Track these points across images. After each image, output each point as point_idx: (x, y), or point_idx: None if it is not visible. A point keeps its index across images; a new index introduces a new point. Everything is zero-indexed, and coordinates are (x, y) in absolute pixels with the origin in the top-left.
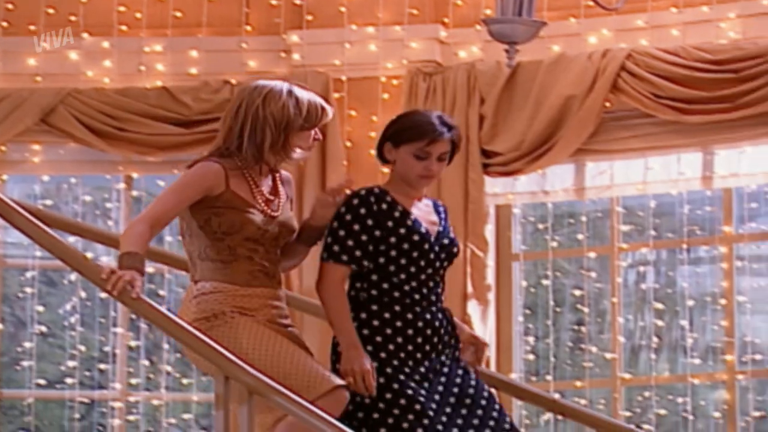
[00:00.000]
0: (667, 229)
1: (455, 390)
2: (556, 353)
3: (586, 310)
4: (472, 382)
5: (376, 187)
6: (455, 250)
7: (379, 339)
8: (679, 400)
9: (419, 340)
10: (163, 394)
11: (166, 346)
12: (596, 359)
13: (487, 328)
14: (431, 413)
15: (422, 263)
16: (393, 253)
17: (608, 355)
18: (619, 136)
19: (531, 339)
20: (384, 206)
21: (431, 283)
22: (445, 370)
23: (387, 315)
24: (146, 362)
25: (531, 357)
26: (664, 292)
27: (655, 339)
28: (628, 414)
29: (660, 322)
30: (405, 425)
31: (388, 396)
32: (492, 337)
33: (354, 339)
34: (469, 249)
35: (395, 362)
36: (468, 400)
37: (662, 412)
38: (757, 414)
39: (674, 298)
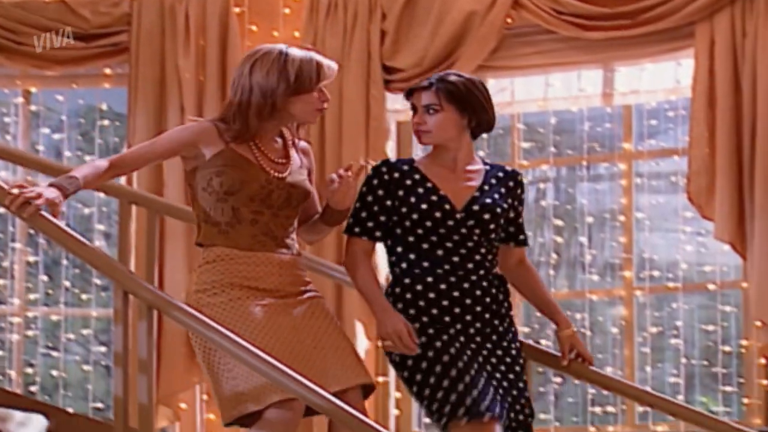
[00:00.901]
0: (568, 146)
1: (497, 354)
2: None
3: None
4: (513, 352)
5: (400, 158)
6: (486, 216)
7: (414, 310)
8: (578, 315)
9: (457, 310)
10: (61, 309)
11: (65, 261)
12: None
13: None
14: (473, 372)
15: (442, 231)
16: (407, 223)
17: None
18: (520, 53)
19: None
20: (396, 175)
21: (463, 251)
22: (489, 343)
23: (419, 287)
24: (45, 278)
25: None
26: (564, 209)
27: (554, 255)
28: (526, 330)
29: (559, 239)
30: (446, 383)
31: (430, 354)
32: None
33: (383, 303)
34: (369, 165)
35: (437, 325)
36: (503, 367)
37: None
38: (654, 330)
39: (573, 215)
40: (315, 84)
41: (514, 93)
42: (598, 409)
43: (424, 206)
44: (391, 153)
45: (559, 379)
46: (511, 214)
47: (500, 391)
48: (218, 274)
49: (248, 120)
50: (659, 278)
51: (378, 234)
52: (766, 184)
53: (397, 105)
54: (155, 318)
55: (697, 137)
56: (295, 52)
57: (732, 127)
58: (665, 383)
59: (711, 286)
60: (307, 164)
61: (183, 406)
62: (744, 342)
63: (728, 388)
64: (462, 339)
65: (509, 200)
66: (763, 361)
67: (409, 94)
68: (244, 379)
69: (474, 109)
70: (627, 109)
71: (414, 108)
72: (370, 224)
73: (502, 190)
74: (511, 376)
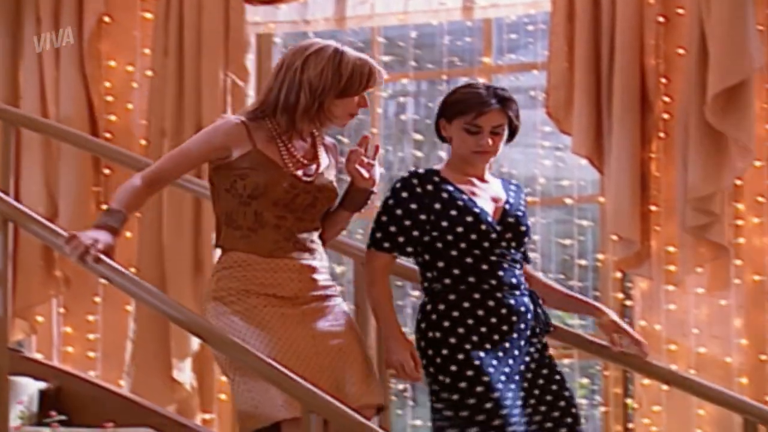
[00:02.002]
0: (428, 60)
1: (530, 375)
2: None
3: (346, 140)
4: (544, 371)
5: (426, 168)
6: (522, 228)
7: (461, 330)
8: None
9: (504, 327)
10: None
11: None
12: None
13: None
14: (502, 391)
15: (486, 244)
16: (450, 237)
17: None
18: None
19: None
20: (429, 187)
21: (506, 265)
22: (527, 358)
23: (466, 304)
24: None
25: None
26: (424, 124)
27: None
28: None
29: (419, 153)
30: (471, 400)
31: (479, 389)
32: None
33: (393, 329)
34: (229, 78)
35: (485, 343)
36: (538, 388)
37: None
38: None
39: (433, 130)
40: (362, 89)
41: (374, 6)
42: None
43: (469, 218)
44: (251, 65)
45: (416, 292)
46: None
47: (536, 417)
48: (235, 281)
49: (295, 118)
50: None
51: (409, 250)
52: (624, 98)
53: (256, 17)
54: (11, 231)
55: (556, 52)
56: (350, 52)
57: (591, 41)
58: None
59: (568, 201)
60: (333, 161)
61: (39, 319)
62: (600, 256)
63: None
64: (507, 364)
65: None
66: (618, 275)
67: (477, 114)
68: (259, 392)
69: (516, 127)
70: (487, 23)
71: (476, 127)
72: (401, 239)
73: (521, 203)
74: (554, 387)
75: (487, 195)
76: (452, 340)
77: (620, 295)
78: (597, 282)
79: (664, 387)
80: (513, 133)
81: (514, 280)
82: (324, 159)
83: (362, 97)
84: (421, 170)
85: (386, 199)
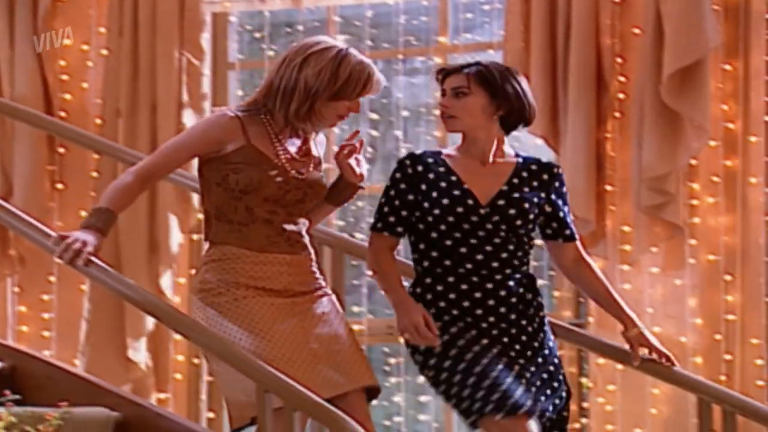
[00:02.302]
0: (384, 39)
1: (526, 355)
2: None
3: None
4: (545, 352)
5: (427, 150)
6: (512, 212)
7: (434, 310)
8: None
9: (479, 311)
10: None
11: None
12: None
13: None
14: (499, 368)
15: (466, 226)
16: (430, 218)
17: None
18: None
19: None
20: (419, 168)
21: (488, 248)
22: (517, 344)
23: (440, 287)
24: None
25: None
26: (380, 103)
27: (369, 149)
28: (341, 223)
29: (375, 133)
30: (472, 380)
31: (453, 352)
32: None
33: (401, 295)
34: (184, 58)
35: (460, 323)
36: (533, 367)
37: None
38: None
39: (389, 109)
40: (357, 95)
41: None
42: None
43: (445, 201)
44: (206, 45)
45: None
46: (548, 209)
47: (532, 388)
48: (224, 272)
49: (288, 115)
50: None
51: (399, 230)
52: (579, 78)
53: None
54: None
55: (512, 31)
56: (353, 56)
57: (546, 21)
58: None
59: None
60: (322, 157)
61: None
62: None
63: (540, 281)
64: (485, 340)
65: (542, 194)
66: None
67: (442, 78)
68: (249, 383)
69: (505, 95)
70: (443, 3)
71: (443, 93)
72: (391, 219)
73: (534, 183)
74: (544, 375)
75: (484, 177)
76: (438, 323)
77: None
78: (552, 261)
79: (619, 366)
80: (503, 108)
81: (495, 264)
82: (315, 154)
83: (355, 103)
84: (419, 151)
85: (388, 181)
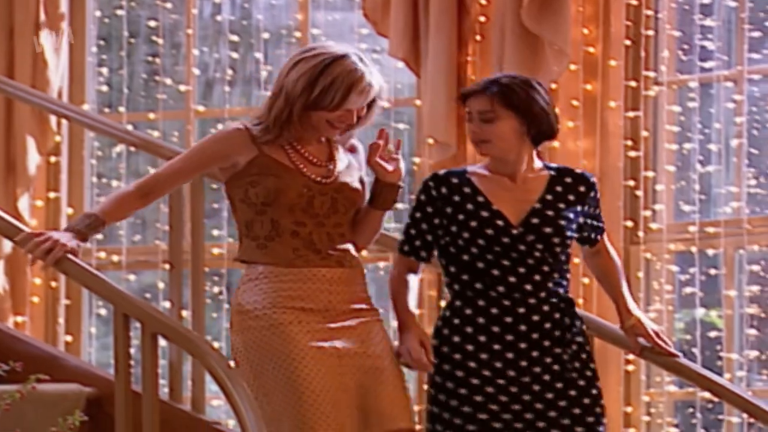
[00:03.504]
0: None
1: (537, 387)
2: (130, 85)
3: (160, 41)
4: (572, 393)
5: (452, 169)
6: (548, 230)
7: (459, 337)
8: None
9: (509, 337)
10: None
11: None
12: (170, 92)
13: (60, 59)
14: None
15: (497, 249)
16: (460, 242)
17: (182, 88)
18: None
19: (105, 70)
20: (444, 190)
21: (521, 270)
22: (536, 369)
23: (468, 311)
24: None
25: (104, 89)
26: (240, 25)
27: (229, 71)
28: (407, 249)
29: (235, 55)
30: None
31: (453, 403)
32: (65, 69)
33: (404, 319)
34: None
35: (482, 355)
36: (542, 401)
37: None
38: None
39: (249, 31)
40: (335, 107)
41: None
42: None
43: (473, 224)
44: None
45: None
46: (581, 220)
47: None
48: (261, 293)
49: (272, 121)
50: None
51: (423, 254)
52: (441, 1)
53: None
54: None
55: None
56: (338, 65)
57: None
58: None
59: (385, 104)
60: (356, 164)
61: None
62: (417, 159)
63: (399, 206)
64: (501, 381)
65: (578, 207)
66: None
67: (463, 99)
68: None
69: (533, 114)
70: None
71: (469, 114)
72: (417, 243)
73: (571, 197)
74: (568, 421)
75: (515, 194)
76: (445, 350)
77: None
78: (413, 186)
79: None
80: (533, 128)
81: (528, 287)
82: (342, 159)
83: (347, 113)
84: (442, 171)
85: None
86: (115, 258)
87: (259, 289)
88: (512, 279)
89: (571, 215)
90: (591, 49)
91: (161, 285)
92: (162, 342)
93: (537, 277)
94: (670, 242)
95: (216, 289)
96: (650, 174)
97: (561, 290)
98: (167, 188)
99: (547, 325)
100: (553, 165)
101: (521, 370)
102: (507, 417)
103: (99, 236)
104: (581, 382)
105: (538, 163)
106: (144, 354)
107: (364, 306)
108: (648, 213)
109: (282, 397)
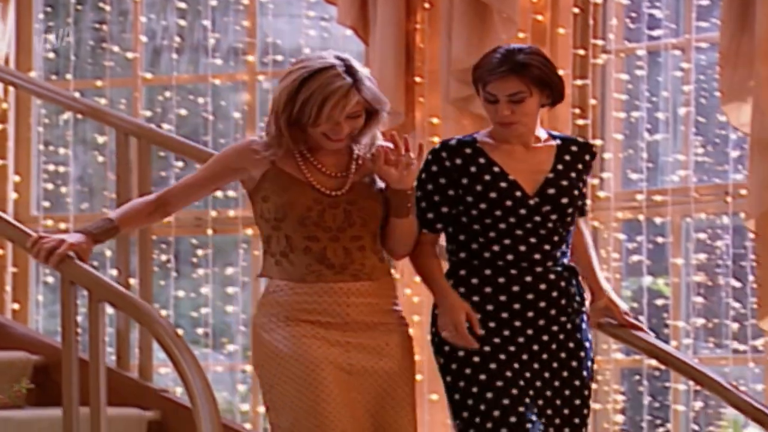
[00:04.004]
0: None
1: (545, 356)
2: (77, 52)
3: (108, 8)
4: (573, 364)
5: (461, 138)
6: (564, 200)
7: (469, 302)
8: (200, 100)
9: (516, 306)
10: None
11: None
12: (118, 59)
13: (7, 26)
14: (513, 393)
15: (512, 219)
16: (474, 212)
17: (130, 55)
18: None
19: (52, 37)
20: (458, 161)
21: (533, 240)
22: (545, 337)
23: (474, 280)
24: None
25: (51, 56)
26: None
27: (177, 39)
28: (149, 114)
29: (182, 22)
30: (483, 407)
31: (468, 371)
32: (12, 36)
33: (443, 288)
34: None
35: (490, 323)
36: (549, 370)
37: (183, 112)
38: None
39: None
40: (313, 124)
41: None
42: (219, 194)
43: (493, 194)
44: None
45: (180, 163)
46: (584, 189)
47: (542, 418)
48: (277, 306)
49: (272, 139)
50: (282, 63)
51: (438, 226)
52: None
53: None
54: None
55: None
56: (317, 81)
57: None
58: None
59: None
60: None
61: None
62: None
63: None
64: (512, 348)
65: (583, 176)
66: None
67: (485, 84)
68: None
69: (554, 85)
70: None
71: (491, 97)
72: (430, 216)
73: (579, 166)
74: (567, 393)
75: (527, 164)
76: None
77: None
78: None
79: None
80: (553, 98)
81: (537, 256)
82: (358, 171)
83: (335, 126)
84: (453, 141)
85: (420, 172)
86: (62, 225)
87: (276, 302)
88: (522, 248)
89: (580, 184)
90: (539, 17)
91: (109, 253)
92: (109, 310)
93: (546, 247)
94: (617, 210)
95: (164, 257)
96: (598, 142)
97: (565, 259)
98: (183, 200)
99: (554, 294)
100: (556, 133)
101: (529, 337)
102: (521, 383)
103: (46, 203)
104: (581, 353)
105: (542, 132)
106: (91, 322)
107: (388, 320)
108: (596, 181)
109: (294, 409)
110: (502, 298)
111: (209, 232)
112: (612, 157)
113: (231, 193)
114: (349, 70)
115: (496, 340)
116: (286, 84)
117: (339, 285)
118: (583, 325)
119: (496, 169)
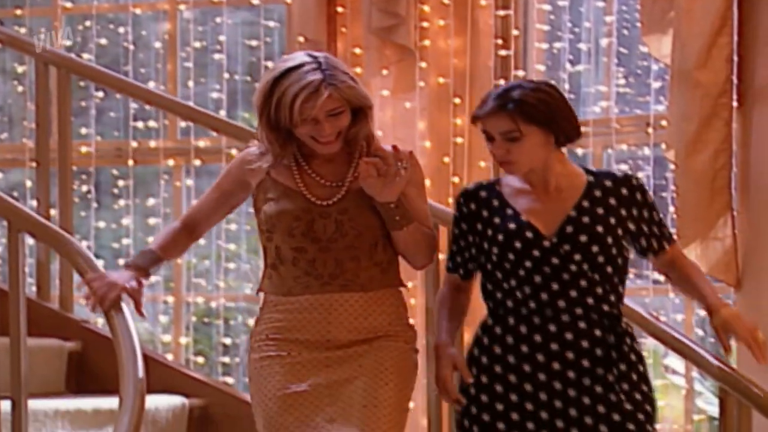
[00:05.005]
0: None
1: (574, 412)
2: None
3: None
4: (616, 417)
5: (484, 181)
6: (583, 238)
7: (487, 359)
8: (121, 29)
9: (540, 357)
10: None
11: None
12: None
13: None
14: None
15: (528, 264)
16: (493, 258)
17: None
18: None
19: None
20: (473, 206)
21: (555, 285)
22: (586, 400)
23: (498, 330)
24: None
25: None
26: None
27: None
28: (68, 43)
29: None
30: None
31: (486, 419)
32: None
33: (438, 339)
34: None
35: (510, 376)
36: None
37: (103, 42)
38: (198, 45)
39: None
40: (290, 122)
41: None
42: (140, 124)
43: (500, 237)
44: None
45: (101, 93)
46: (632, 227)
47: None
48: (261, 324)
49: (264, 147)
50: None
51: (461, 272)
52: None
53: None
54: None
55: None
56: (287, 80)
57: None
58: (208, 99)
59: (255, 1)
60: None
61: None
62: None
63: None
64: (529, 406)
65: (622, 212)
66: None
67: (474, 120)
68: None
69: (557, 122)
70: None
71: (487, 134)
72: (458, 260)
73: (612, 201)
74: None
75: (548, 204)
76: (473, 370)
77: None
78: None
79: None
80: (558, 137)
81: (562, 303)
82: (354, 181)
83: (316, 126)
84: (472, 186)
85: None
86: None
87: (261, 320)
88: (544, 296)
89: (612, 220)
90: None
91: (29, 183)
92: (29, 240)
93: (573, 293)
94: None
95: (84, 188)
96: (520, 73)
97: (605, 306)
98: (205, 219)
99: (585, 344)
100: (593, 169)
101: (554, 392)
102: None
103: None
104: (628, 407)
105: (575, 168)
106: (11, 252)
107: (378, 334)
108: None
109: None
110: (524, 349)
111: (130, 162)
112: None
113: (152, 123)
114: (321, 66)
115: (513, 397)
116: (260, 86)
117: (325, 297)
118: (634, 376)
119: (509, 211)
